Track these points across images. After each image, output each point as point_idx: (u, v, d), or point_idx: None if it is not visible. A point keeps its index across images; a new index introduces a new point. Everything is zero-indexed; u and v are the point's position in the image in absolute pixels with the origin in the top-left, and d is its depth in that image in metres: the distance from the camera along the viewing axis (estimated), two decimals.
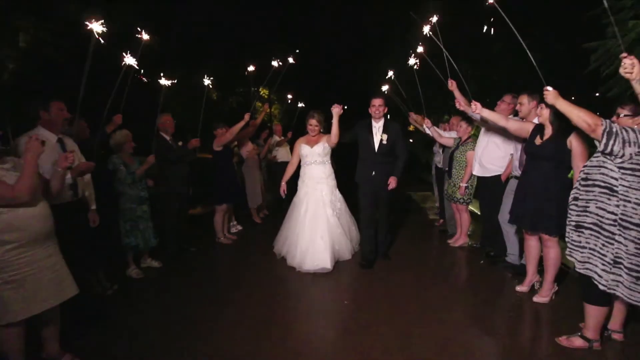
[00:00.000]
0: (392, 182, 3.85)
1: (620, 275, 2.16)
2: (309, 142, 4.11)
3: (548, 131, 2.90)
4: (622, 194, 2.13)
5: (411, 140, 12.86)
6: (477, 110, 3.17)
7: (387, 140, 3.85)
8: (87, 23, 2.67)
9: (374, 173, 3.89)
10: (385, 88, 5.21)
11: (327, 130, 4.07)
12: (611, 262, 2.18)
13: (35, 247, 2.08)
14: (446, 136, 4.73)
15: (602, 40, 4.18)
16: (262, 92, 20.04)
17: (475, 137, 4.31)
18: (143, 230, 3.82)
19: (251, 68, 5.40)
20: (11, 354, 2.09)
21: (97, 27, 2.70)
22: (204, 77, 4.42)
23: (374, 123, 3.92)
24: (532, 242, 3.18)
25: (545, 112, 2.86)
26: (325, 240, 3.84)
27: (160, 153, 3.96)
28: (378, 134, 3.89)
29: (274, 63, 4.87)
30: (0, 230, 1.95)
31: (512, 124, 3.17)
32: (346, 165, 4.78)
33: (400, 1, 10.72)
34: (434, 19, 3.54)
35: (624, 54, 1.93)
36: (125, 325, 2.89)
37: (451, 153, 4.48)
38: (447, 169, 4.60)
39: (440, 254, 4.61)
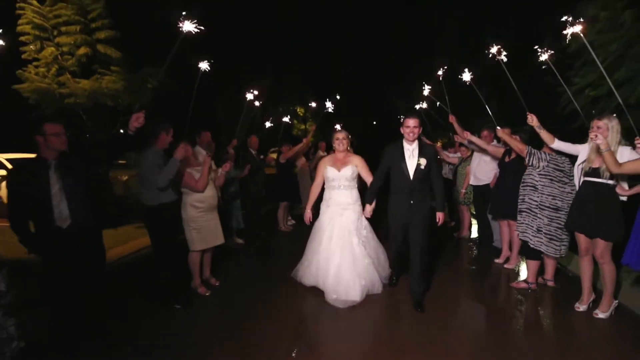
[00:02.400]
0: (441, 219, 3.55)
1: (541, 238, 3.66)
2: (335, 164, 3.86)
3: (513, 154, 4.42)
4: (539, 189, 3.65)
5: None
6: (468, 137, 4.74)
7: (425, 165, 3.38)
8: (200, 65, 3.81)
9: (411, 203, 3.43)
10: (418, 106, 6.24)
11: (355, 149, 3.99)
12: (536, 230, 3.68)
13: (209, 212, 3.87)
14: (452, 156, 6.29)
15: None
16: (298, 111, 22.36)
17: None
18: (236, 216, 5.62)
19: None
20: (194, 268, 3.86)
21: (204, 65, 3.83)
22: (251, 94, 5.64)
23: (406, 146, 3.45)
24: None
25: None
26: (350, 271, 3.63)
27: (248, 163, 5.77)
28: (413, 158, 3.42)
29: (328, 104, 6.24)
30: (198, 200, 3.75)
31: (491, 148, 4.70)
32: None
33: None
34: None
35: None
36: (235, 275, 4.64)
37: (455, 168, 6.03)
38: (452, 179, 6.15)
39: (454, 252, 6.05)
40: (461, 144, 5.73)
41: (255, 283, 4.22)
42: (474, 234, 6.11)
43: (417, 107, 6.22)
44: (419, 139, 3.46)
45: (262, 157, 6.11)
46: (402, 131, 3.46)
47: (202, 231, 3.82)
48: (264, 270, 4.75)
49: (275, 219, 6.69)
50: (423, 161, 3.38)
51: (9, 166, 6.81)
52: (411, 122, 3.38)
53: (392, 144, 3.56)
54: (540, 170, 3.66)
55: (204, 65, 3.84)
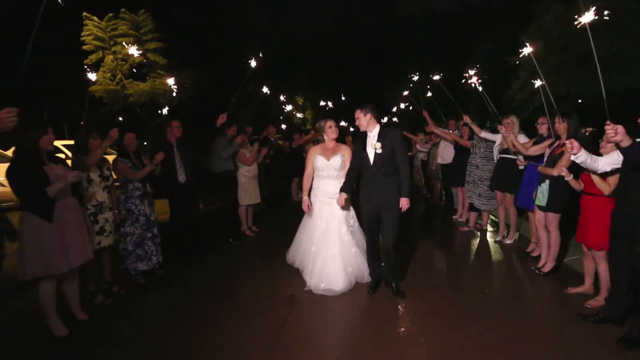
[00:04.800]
0: (404, 205, 3.39)
1: (481, 200, 5.51)
2: (324, 153, 3.84)
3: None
4: (480, 168, 5.48)
5: None
6: (432, 128, 6.55)
7: (383, 148, 3.38)
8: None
9: (375, 189, 3.45)
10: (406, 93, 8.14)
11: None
12: (477, 195, 5.53)
13: (252, 179, 5.67)
14: (422, 147, 8.13)
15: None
16: (297, 100, 23.97)
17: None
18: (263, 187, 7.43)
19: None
20: (242, 218, 5.68)
21: (253, 63, 5.46)
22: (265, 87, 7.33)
23: (368, 134, 3.52)
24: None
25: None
26: (337, 261, 3.65)
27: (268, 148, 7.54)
28: (372, 145, 3.44)
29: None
30: (246, 171, 5.55)
31: (449, 136, 6.51)
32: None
33: None
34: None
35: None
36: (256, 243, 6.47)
37: (429, 151, 7.88)
38: (427, 159, 8.01)
39: (427, 214, 7.92)
40: (432, 133, 7.55)
41: (276, 233, 6.03)
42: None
43: (396, 108, 7.90)
44: (383, 126, 3.51)
45: (279, 142, 7.90)
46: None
47: (248, 192, 5.64)
48: (282, 226, 6.59)
49: (289, 192, 8.53)
50: (378, 145, 3.39)
51: (67, 152, 8.37)
52: (356, 114, 3.51)
53: (359, 137, 3.66)
54: (481, 154, 5.47)
55: (253, 63, 5.20)
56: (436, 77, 6.56)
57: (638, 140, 2.46)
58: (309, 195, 3.92)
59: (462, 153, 6.17)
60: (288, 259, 4.25)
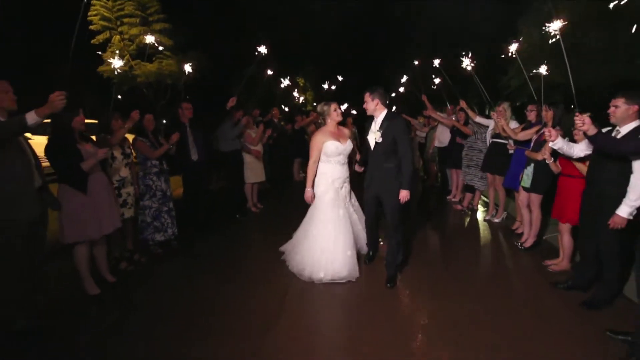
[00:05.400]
0: (403, 197, 3.36)
1: (482, 182, 5.85)
2: (336, 137, 3.69)
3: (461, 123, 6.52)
4: (483, 152, 5.79)
5: None
6: (430, 113, 6.83)
7: (383, 137, 3.37)
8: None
9: (374, 175, 3.52)
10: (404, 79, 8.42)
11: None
12: (480, 178, 5.87)
13: (258, 158, 6.00)
14: (420, 131, 8.42)
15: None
16: (299, 81, 23.95)
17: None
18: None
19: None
20: (248, 195, 6.05)
21: (263, 49, 5.68)
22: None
23: (374, 119, 3.51)
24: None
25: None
26: (353, 249, 3.67)
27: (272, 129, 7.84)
28: (374, 132, 3.46)
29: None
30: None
31: (446, 120, 6.80)
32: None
33: None
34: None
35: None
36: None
37: (426, 134, 8.18)
38: (425, 142, 8.32)
39: (423, 196, 8.29)
40: (430, 117, 7.84)
41: (279, 210, 6.45)
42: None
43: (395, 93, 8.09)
44: (390, 112, 3.49)
45: (282, 123, 8.19)
46: None
47: (254, 170, 5.98)
48: (285, 204, 6.99)
49: (291, 172, 8.87)
50: (378, 134, 3.38)
51: None
52: (364, 97, 3.50)
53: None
54: (482, 139, 5.78)
55: (262, 49, 5.38)
56: (436, 63, 6.79)
57: (603, 129, 2.79)
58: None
59: (457, 136, 6.48)
60: (293, 266, 3.79)
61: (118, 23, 8.43)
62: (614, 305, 3.04)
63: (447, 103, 7.09)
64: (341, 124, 3.92)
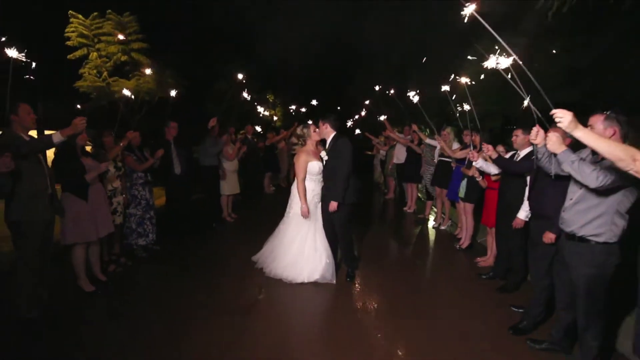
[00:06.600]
0: (331, 206, 3.85)
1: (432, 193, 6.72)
2: (315, 156, 4.08)
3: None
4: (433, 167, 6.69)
5: None
6: (388, 133, 7.71)
7: (329, 157, 3.92)
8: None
9: (324, 194, 4.05)
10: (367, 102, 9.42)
11: None
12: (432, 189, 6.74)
13: (234, 172, 6.57)
14: (381, 151, 9.34)
15: None
16: (268, 97, 24.60)
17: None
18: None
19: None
20: (224, 205, 6.57)
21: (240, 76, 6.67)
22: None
23: (327, 141, 4.05)
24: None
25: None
26: (329, 254, 4.11)
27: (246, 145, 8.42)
28: (324, 152, 4.02)
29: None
30: (229, 165, 6.44)
31: (402, 140, 7.70)
32: None
33: None
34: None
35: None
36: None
37: (386, 152, 9.09)
38: (384, 159, 9.23)
39: (382, 207, 9.13)
40: (389, 137, 8.78)
41: (251, 219, 7.01)
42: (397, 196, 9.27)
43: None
44: (337, 134, 3.98)
45: (255, 140, 8.79)
46: None
47: (229, 183, 6.53)
48: (257, 214, 7.55)
49: (262, 185, 9.44)
50: (323, 154, 3.99)
51: None
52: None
53: None
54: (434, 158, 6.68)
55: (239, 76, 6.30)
56: (392, 91, 7.73)
57: (509, 154, 3.69)
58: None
59: (412, 154, 7.39)
60: (270, 271, 4.19)
61: (96, 40, 8.74)
62: (520, 288, 3.91)
63: (408, 124, 8.02)
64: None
